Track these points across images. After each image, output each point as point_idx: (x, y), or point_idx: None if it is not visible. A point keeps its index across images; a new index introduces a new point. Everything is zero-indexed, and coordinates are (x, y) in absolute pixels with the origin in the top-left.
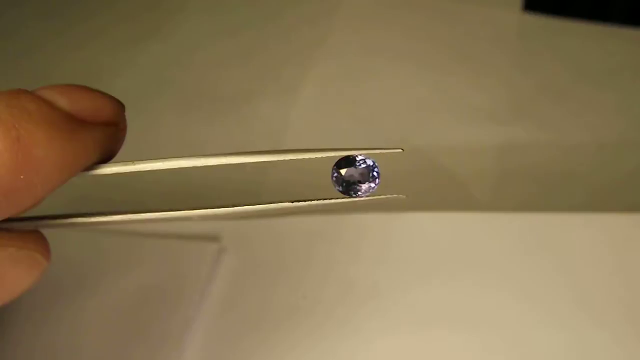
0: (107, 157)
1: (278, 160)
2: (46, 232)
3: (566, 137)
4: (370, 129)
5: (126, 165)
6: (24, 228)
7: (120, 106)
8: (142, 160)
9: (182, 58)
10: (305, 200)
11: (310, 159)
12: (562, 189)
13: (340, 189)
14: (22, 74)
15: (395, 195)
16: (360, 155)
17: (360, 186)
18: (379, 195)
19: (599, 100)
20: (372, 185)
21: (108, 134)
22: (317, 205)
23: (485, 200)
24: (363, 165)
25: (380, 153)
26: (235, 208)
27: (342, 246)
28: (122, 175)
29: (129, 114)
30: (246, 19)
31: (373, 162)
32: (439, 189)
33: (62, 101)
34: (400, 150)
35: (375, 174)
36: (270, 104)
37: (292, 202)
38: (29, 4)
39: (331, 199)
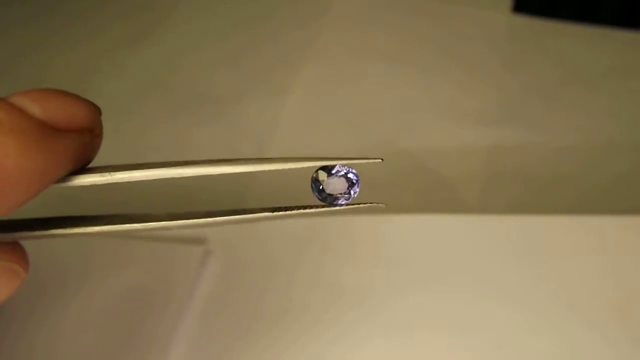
0: (82, 165)
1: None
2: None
3: (555, 139)
4: (359, 131)
5: (103, 176)
6: (1, 240)
7: (96, 111)
8: (120, 170)
9: (172, 60)
10: (285, 209)
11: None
12: (551, 191)
13: (320, 197)
14: (13, 75)
15: (374, 204)
16: (340, 164)
17: (340, 195)
18: (359, 203)
19: (588, 102)
20: (352, 194)
21: (83, 141)
22: (297, 214)
23: (473, 202)
24: (342, 174)
25: (360, 163)
26: (216, 218)
27: (328, 249)
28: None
29: (119, 116)
30: (235, 22)
31: (353, 171)
32: (427, 191)
33: (35, 108)
34: (380, 160)
35: (354, 182)
36: (259, 106)
37: (273, 211)
38: (20, 6)
39: (311, 207)
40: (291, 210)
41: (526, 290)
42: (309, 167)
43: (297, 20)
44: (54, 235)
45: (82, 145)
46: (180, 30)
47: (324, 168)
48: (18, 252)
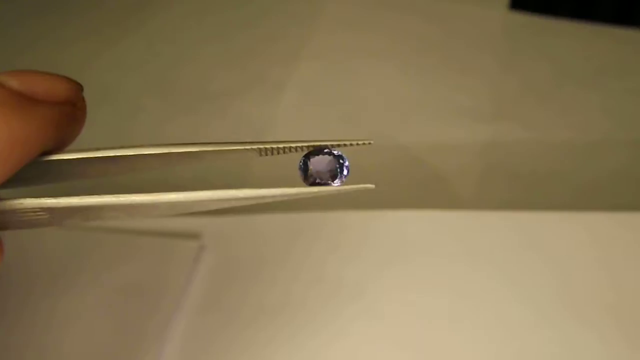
0: (67, 140)
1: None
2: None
3: (550, 135)
4: (355, 128)
5: (89, 151)
6: None
7: (75, 85)
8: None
9: (169, 58)
10: (267, 188)
11: (286, 151)
12: (545, 188)
13: (307, 181)
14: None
15: (363, 185)
16: (329, 147)
17: (329, 179)
18: (347, 185)
19: (583, 99)
20: (341, 178)
21: (64, 113)
22: (280, 194)
23: (468, 198)
24: (331, 158)
25: (350, 145)
26: (202, 193)
27: (322, 244)
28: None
29: (117, 113)
30: (232, 20)
31: (342, 155)
32: (422, 186)
33: (12, 82)
34: (370, 142)
35: (345, 168)
36: (256, 104)
37: (258, 189)
38: (20, 3)
39: (296, 187)
40: (274, 189)
41: (520, 286)
42: (298, 156)
43: (294, 19)
44: (25, 208)
45: (64, 116)
46: (179, 29)
47: (313, 151)
48: None
